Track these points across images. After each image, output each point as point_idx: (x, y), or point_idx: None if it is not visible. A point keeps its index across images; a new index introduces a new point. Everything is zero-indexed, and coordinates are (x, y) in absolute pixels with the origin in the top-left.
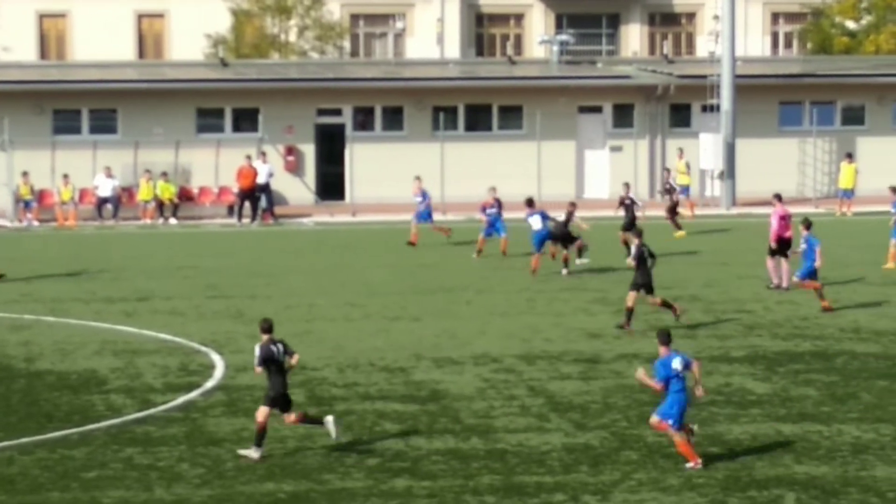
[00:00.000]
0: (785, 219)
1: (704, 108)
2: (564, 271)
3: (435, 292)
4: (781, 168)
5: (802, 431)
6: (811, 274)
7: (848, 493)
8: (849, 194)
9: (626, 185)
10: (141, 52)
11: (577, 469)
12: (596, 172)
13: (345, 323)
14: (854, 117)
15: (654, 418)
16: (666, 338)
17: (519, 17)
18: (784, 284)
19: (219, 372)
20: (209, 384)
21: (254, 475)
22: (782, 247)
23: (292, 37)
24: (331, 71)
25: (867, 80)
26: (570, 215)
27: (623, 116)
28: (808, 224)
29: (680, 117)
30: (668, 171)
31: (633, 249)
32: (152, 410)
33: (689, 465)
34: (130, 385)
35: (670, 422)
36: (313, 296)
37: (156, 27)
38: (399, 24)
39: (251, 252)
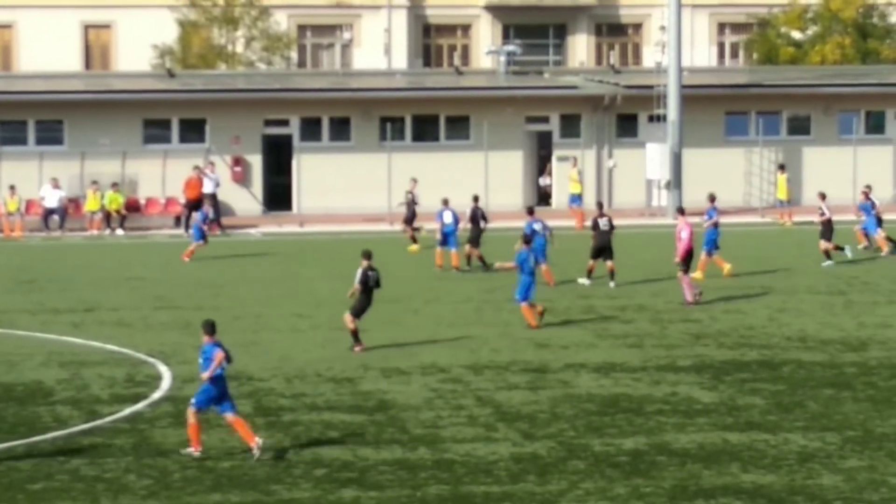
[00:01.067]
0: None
1: (651, 118)
2: (612, 284)
3: (382, 302)
4: (727, 178)
5: (749, 440)
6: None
7: (794, 501)
8: (786, 204)
9: (475, 198)
10: (87, 63)
11: (525, 479)
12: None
13: (292, 333)
14: (800, 127)
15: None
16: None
17: (466, 28)
18: (690, 298)
19: (166, 383)
20: (156, 395)
21: (201, 486)
22: (689, 260)
23: (239, 47)
24: (278, 82)
25: (813, 91)
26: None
27: (570, 126)
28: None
29: (626, 127)
30: (414, 181)
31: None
32: (99, 422)
33: None
34: (77, 396)
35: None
36: (260, 306)
37: (102, 38)
38: (346, 35)
39: (198, 263)
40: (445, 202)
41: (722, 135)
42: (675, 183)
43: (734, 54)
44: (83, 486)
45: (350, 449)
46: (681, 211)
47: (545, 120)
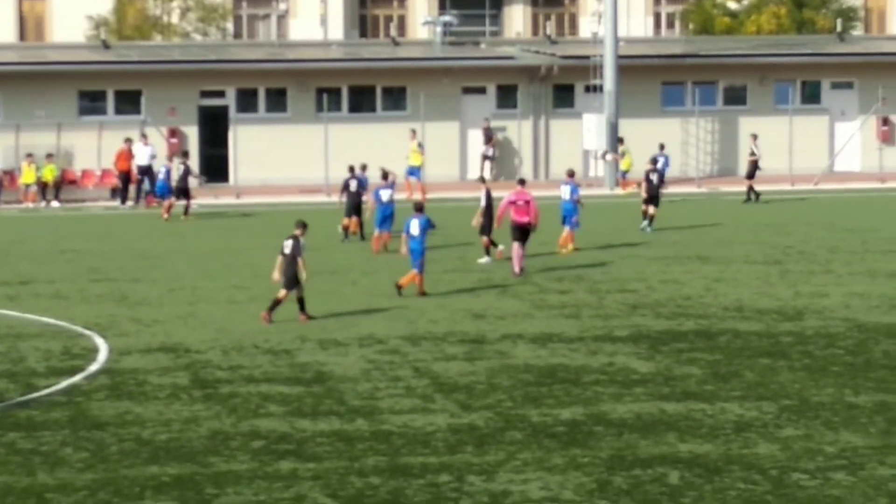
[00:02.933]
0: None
1: (588, 89)
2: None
3: (320, 274)
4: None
5: (686, 410)
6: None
7: (731, 470)
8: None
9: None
10: (22, 35)
11: (463, 449)
12: (480, 153)
13: (229, 305)
14: (736, 97)
15: None
16: None
17: None
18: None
19: (102, 355)
20: (93, 368)
21: (138, 458)
22: (524, 233)
23: (175, 18)
24: (214, 53)
25: (749, 61)
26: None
27: (507, 97)
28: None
29: (563, 98)
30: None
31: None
32: (35, 395)
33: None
34: (13, 369)
35: None
36: (197, 278)
37: (37, 9)
38: (282, 6)
39: (135, 235)
40: (571, 174)
41: (658, 105)
42: (613, 153)
43: (670, 25)
44: (20, 458)
45: (287, 421)
46: (521, 182)
47: (482, 91)
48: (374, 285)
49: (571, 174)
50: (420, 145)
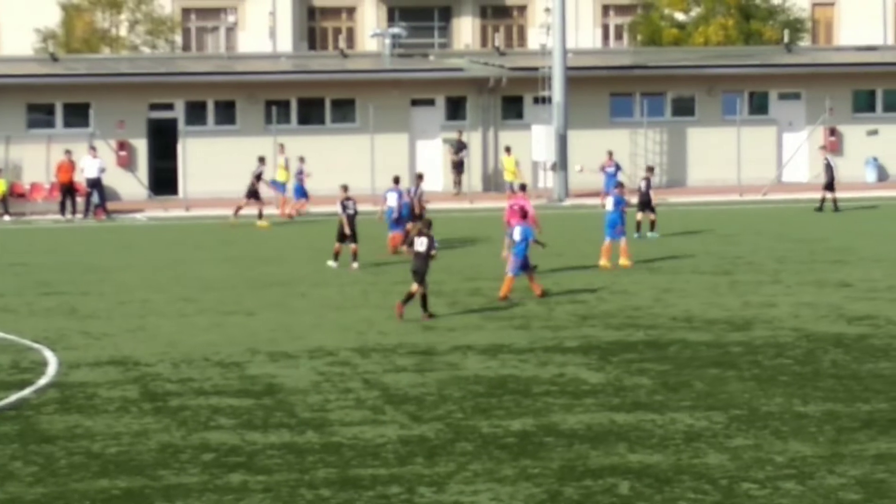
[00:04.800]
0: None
1: (536, 100)
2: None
3: (270, 286)
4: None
5: (636, 420)
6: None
7: (681, 480)
8: (512, 187)
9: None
10: None
11: (413, 461)
12: (429, 165)
13: (179, 318)
14: (684, 108)
15: None
16: None
17: (351, 11)
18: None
19: (52, 369)
20: (42, 381)
21: (87, 472)
22: None
23: (123, 31)
24: (162, 65)
25: (697, 72)
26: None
27: (456, 109)
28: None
29: (512, 109)
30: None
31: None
32: None
33: None
34: None
35: None
36: (147, 291)
37: None
38: (231, 18)
39: (84, 248)
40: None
41: (607, 116)
42: (561, 165)
43: (618, 36)
44: None
45: (238, 433)
46: (522, 188)
47: (431, 102)
48: (324, 297)
49: (620, 185)
50: (287, 160)
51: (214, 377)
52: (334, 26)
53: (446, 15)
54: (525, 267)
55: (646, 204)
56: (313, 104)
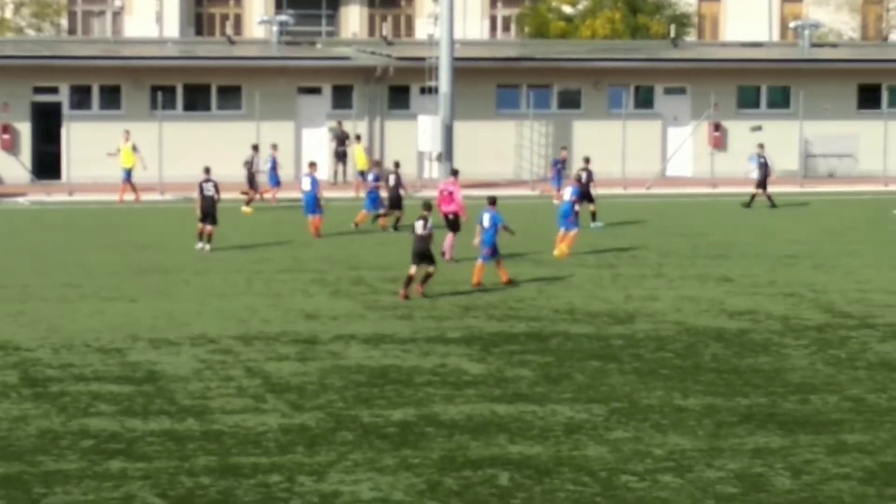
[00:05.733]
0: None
1: (423, 91)
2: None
3: (152, 273)
4: (499, 150)
5: (517, 412)
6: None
7: (561, 472)
8: (364, 176)
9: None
10: None
11: (294, 450)
12: (315, 153)
13: (60, 304)
14: (570, 101)
15: None
16: None
17: None
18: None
19: None
20: None
21: None
22: (449, 222)
23: (8, 14)
24: (47, 48)
25: (583, 65)
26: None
27: (342, 98)
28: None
29: (399, 99)
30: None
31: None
32: None
33: None
34: None
35: None
36: (28, 276)
37: None
38: (117, 3)
39: None
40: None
41: (493, 108)
42: (447, 155)
43: (506, 28)
44: None
45: (118, 420)
46: (454, 173)
47: (318, 91)
48: (206, 285)
49: (578, 179)
50: (135, 147)
51: (95, 363)
52: (222, 12)
53: (334, 3)
54: (494, 254)
55: (585, 195)
56: (199, 90)
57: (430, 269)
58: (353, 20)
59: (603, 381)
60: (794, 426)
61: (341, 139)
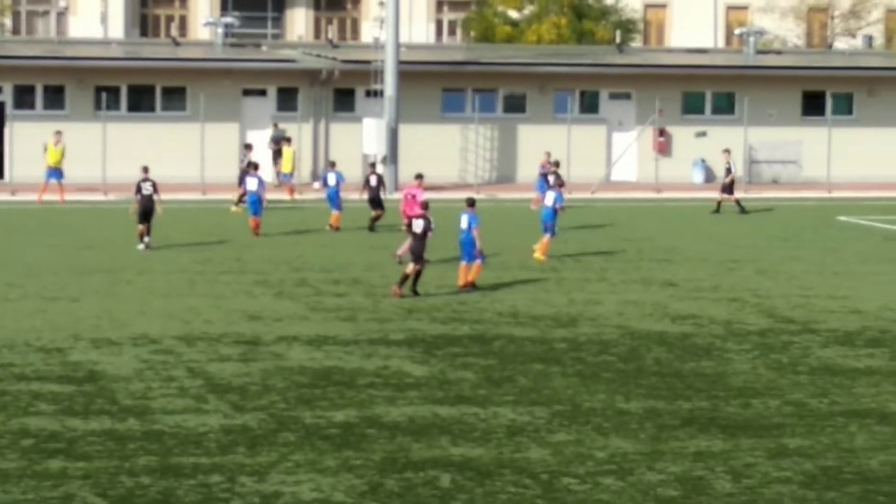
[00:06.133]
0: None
1: (368, 94)
2: None
3: (95, 273)
4: (444, 154)
5: (459, 414)
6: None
7: (502, 474)
8: (287, 178)
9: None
10: None
11: (235, 450)
12: (261, 155)
13: (1, 303)
14: (516, 105)
15: None
16: None
17: None
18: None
19: None
20: None
21: None
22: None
23: None
24: None
25: (529, 70)
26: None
27: (288, 100)
28: (471, 202)
29: (344, 102)
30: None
31: None
32: None
33: None
34: None
35: None
36: None
37: None
38: (62, 3)
39: None
40: (332, 165)
41: (438, 111)
42: (392, 158)
43: (452, 32)
44: None
45: (58, 419)
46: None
47: (263, 93)
48: (149, 284)
49: (561, 185)
50: (64, 148)
51: (36, 363)
52: (167, 14)
53: (280, 6)
54: (476, 254)
55: None
56: (144, 91)
57: (417, 266)
58: (298, 23)
59: (545, 384)
60: (736, 430)
61: (277, 140)
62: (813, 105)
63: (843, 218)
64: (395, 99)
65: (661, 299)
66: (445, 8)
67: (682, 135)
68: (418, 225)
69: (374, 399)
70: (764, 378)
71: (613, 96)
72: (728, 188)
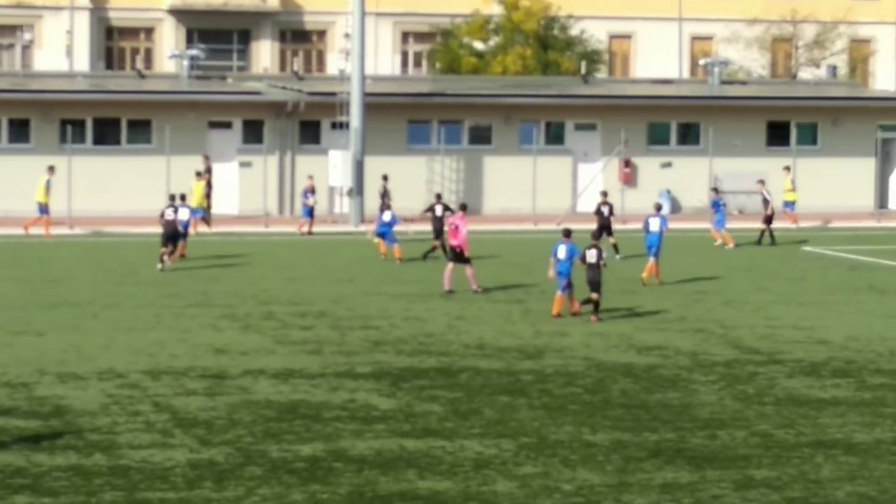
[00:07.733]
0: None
1: (334, 125)
2: None
3: (61, 307)
4: (410, 186)
5: (426, 447)
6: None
7: None
8: (197, 213)
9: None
10: None
11: (201, 485)
12: (225, 187)
13: None
14: (481, 136)
15: None
16: None
17: (149, 31)
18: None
19: None
20: None
21: None
22: (455, 255)
23: None
24: None
25: (494, 101)
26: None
27: (253, 132)
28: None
29: (310, 134)
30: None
31: None
32: None
33: None
34: None
35: None
36: None
37: None
38: (27, 36)
39: None
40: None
41: (404, 143)
42: (358, 190)
43: (417, 63)
44: None
45: (24, 454)
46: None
47: (228, 125)
48: (115, 318)
49: (659, 208)
50: (48, 182)
51: (1, 398)
52: (132, 46)
53: (245, 38)
54: (570, 285)
55: (606, 228)
56: (109, 124)
57: (596, 296)
58: (264, 55)
59: (512, 416)
60: (702, 461)
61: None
62: (778, 135)
63: (808, 248)
64: (360, 131)
65: (627, 330)
66: (411, 39)
67: (647, 165)
68: (592, 255)
69: (341, 432)
70: (730, 409)
71: (579, 127)
72: (770, 219)
